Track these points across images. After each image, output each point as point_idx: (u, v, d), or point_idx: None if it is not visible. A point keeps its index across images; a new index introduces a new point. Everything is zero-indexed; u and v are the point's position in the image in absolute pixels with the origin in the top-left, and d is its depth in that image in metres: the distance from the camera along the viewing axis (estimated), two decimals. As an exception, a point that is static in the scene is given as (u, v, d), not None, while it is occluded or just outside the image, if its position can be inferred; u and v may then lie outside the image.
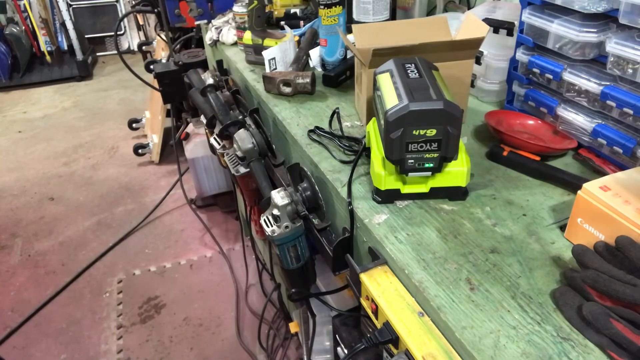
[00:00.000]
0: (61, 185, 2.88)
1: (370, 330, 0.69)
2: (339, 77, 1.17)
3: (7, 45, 4.42)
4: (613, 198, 0.58)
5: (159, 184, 2.84)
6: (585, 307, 0.51)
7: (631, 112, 0.71)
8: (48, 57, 4.78)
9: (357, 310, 0.96)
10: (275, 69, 1.22)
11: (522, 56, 0.90)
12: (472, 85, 1.07)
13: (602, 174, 0.76)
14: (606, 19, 0.74)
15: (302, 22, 1.50)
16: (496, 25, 1.05)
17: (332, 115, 1.00)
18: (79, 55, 4.56)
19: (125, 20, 5.02)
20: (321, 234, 0.86)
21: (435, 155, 0.67)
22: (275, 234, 0.85)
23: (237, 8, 1.38)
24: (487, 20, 1.06)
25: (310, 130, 0.96)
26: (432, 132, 0.65)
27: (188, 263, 2.24)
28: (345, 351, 0.92)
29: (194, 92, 1.25)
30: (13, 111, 3.98)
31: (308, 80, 1.11)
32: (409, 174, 0.70)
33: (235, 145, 1.07)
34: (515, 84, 0.95)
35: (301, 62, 1.24)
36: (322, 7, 1.10)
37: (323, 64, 1.22)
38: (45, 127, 3.67)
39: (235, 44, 1.50)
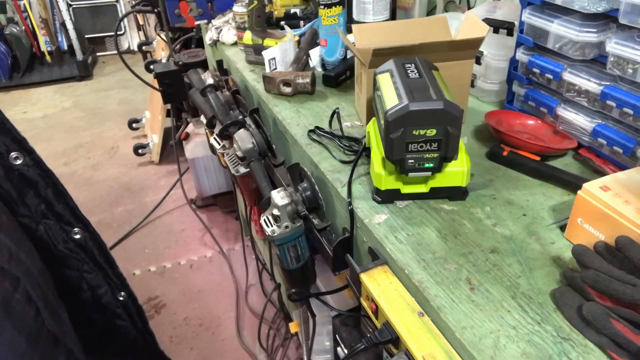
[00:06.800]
0: (61, 185, 2.88)
1: (370, 330, 0.69)
2: (339, 77, 1.17)
3: (7, 45, 4.42)
4: (613, 198, 0.58)
5: (159, 184, 2.84)
6: (585, 307, 0.51)
7: (631, 112, 0.71)
8: (48, 57, 4.78)
9: (357, 310, 0.96)
10: (275, 69, 1.22)
11: (522, 56, 0.90)
12: (472, 85, 1.07)
13: (602, 174, 0.76)
14: (606, 19, 0.74)
15: (302, 22, 1.50)
16: (496, 25, 1.05)
17: (332, 115, 1.00)
18: (79, 55, 4.57)
19: (125, 20, 5.02)
20: (321, 234, 0.86)
21: (435, 155, 0.67)
22: (275, 234, 0.85)
23: (237, 8, 1.38)
24: (487, 20, 1.06)
25: (310, 130, 0.96)
26: (432, 132, 0.65)
27: (188, 263, 2.24)
28: (345, 351, 0.92)
29: (194, 92, 1.25)
30: (13, 111, 3.98)
31: (308, 80, 1.11)
32: (409, 174, 0.70)
33: (235, 145, 1.07)
34: (515, 84, 0.95)
35: (301, 62, 1.24)
36: (322, 7, 1.10)
37: (323, 64, 1.22)
38: (45, 127, 3.67)
39: (235, 44, 1.50)
